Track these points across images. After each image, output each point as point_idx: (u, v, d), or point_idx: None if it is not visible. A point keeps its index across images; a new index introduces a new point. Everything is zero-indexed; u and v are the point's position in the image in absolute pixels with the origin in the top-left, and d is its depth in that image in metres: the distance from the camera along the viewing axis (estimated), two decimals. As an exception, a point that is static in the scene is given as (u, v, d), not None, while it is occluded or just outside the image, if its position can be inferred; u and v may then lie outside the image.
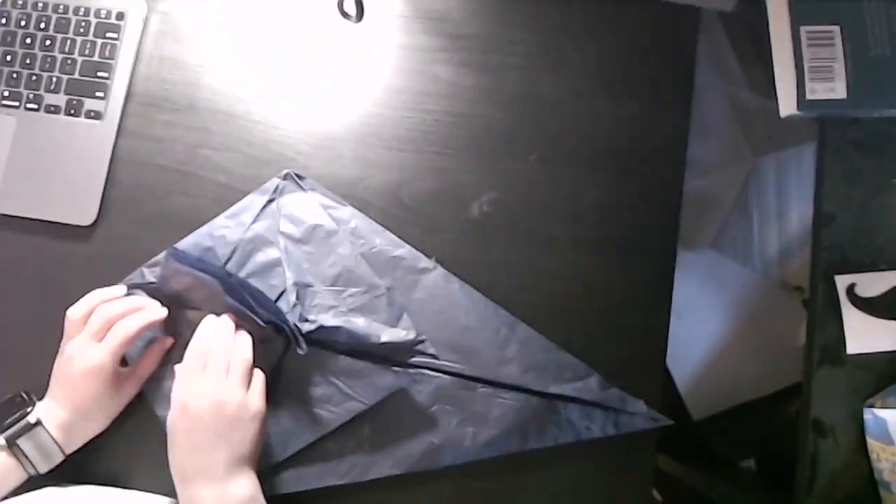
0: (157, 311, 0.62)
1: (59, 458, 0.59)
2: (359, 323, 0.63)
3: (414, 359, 0.64)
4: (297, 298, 0.64)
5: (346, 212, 0.68)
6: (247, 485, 0.55)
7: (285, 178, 0.69)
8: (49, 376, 0.61)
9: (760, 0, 0.68)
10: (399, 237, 0.68)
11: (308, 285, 0.65)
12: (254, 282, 0.65)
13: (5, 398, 0.60)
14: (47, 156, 0.70)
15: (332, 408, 0.63)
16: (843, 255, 0.67)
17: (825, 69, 0.65)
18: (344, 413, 0.63)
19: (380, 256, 0.67)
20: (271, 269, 0.66)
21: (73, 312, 0.61)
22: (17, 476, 0.58)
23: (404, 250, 0.67)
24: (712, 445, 1.09)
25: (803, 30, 0.66)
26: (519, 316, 0.66)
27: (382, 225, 0.68)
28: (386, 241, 0.67)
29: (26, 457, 0.57)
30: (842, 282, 0.66)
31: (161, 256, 0.66)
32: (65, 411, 0.59)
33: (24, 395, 0.61)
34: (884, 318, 0.65)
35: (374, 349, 0.63)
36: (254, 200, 0.68)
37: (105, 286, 0.66)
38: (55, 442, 0.58)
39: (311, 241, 0.67)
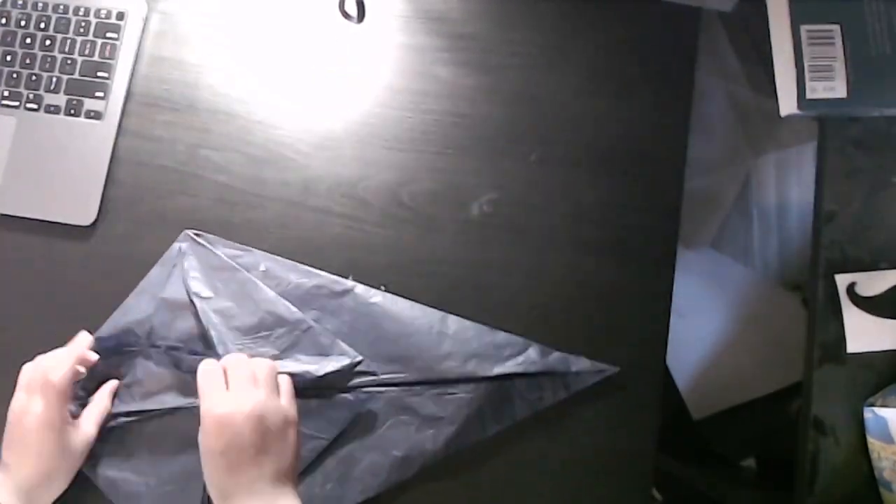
0: (85, 352, 0.61)
1: None
2: (292, 364, 0.62)
3: (356, 380, 0.64)
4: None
5: (254, 257, 0.67)
6: (293, 501, 0.52)
7: (184, 240, 0.68)
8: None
9: (760, 0, 0.69)
10: (398, 237, 0.68)
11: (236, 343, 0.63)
12: (182, 354, 0.64)
13: None
14: (47, 156, 0.70)
15: None
16: (843, 253, 0.66)
17: (825, 68, 0.65)
18: (307, 454, 0.62)
19: (297, 291, 0.66)
20: (196, 338, 0.65)
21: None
22: None
23: (320, 278, 0.67)
24: (712, 445, 1.09)
25: (803, 29, 0.66)
26: (519, 316, 0.66)
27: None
28: (300, 275, 0.67)
29: None
30: (842, 281, 0.66)
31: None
32: (17, 479, 0.56)
33: None
34: (884, 316, 0.65)
35: (317, 383, 0.62)
36: (158, 272, 0.67)
37: (105, 286, 0.66)
38: None
39: (225, 296, 0.65)
